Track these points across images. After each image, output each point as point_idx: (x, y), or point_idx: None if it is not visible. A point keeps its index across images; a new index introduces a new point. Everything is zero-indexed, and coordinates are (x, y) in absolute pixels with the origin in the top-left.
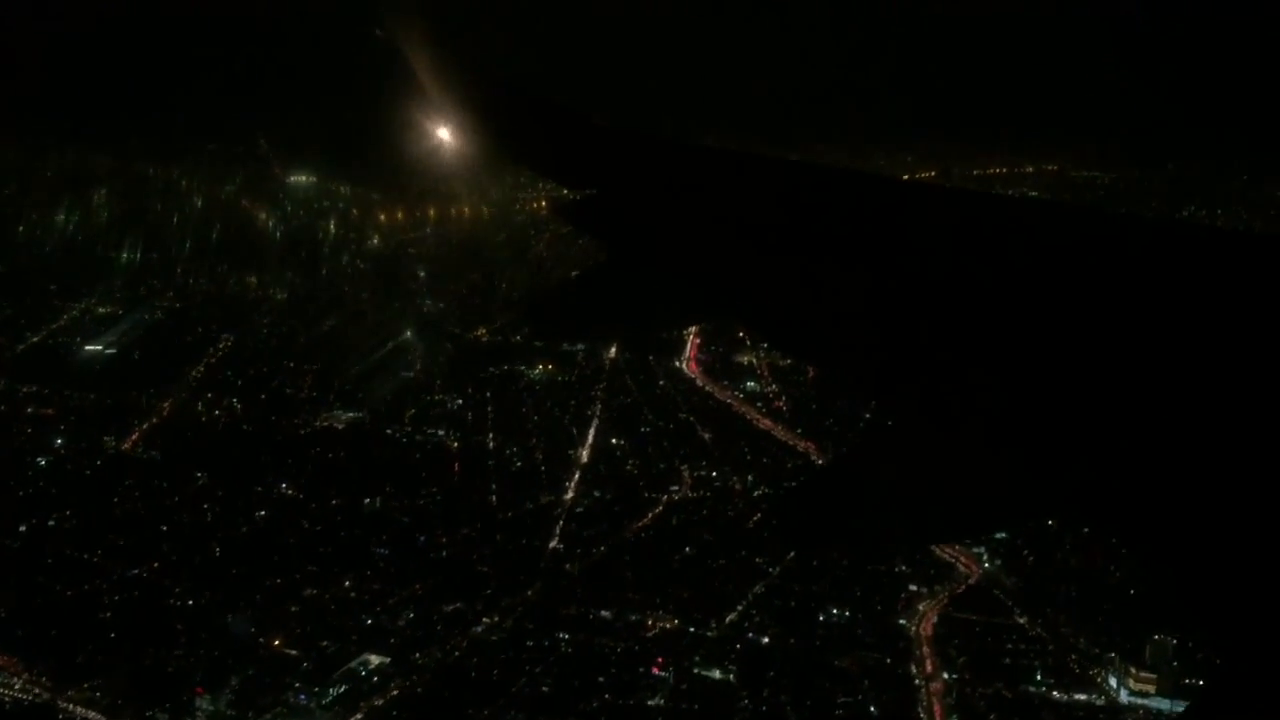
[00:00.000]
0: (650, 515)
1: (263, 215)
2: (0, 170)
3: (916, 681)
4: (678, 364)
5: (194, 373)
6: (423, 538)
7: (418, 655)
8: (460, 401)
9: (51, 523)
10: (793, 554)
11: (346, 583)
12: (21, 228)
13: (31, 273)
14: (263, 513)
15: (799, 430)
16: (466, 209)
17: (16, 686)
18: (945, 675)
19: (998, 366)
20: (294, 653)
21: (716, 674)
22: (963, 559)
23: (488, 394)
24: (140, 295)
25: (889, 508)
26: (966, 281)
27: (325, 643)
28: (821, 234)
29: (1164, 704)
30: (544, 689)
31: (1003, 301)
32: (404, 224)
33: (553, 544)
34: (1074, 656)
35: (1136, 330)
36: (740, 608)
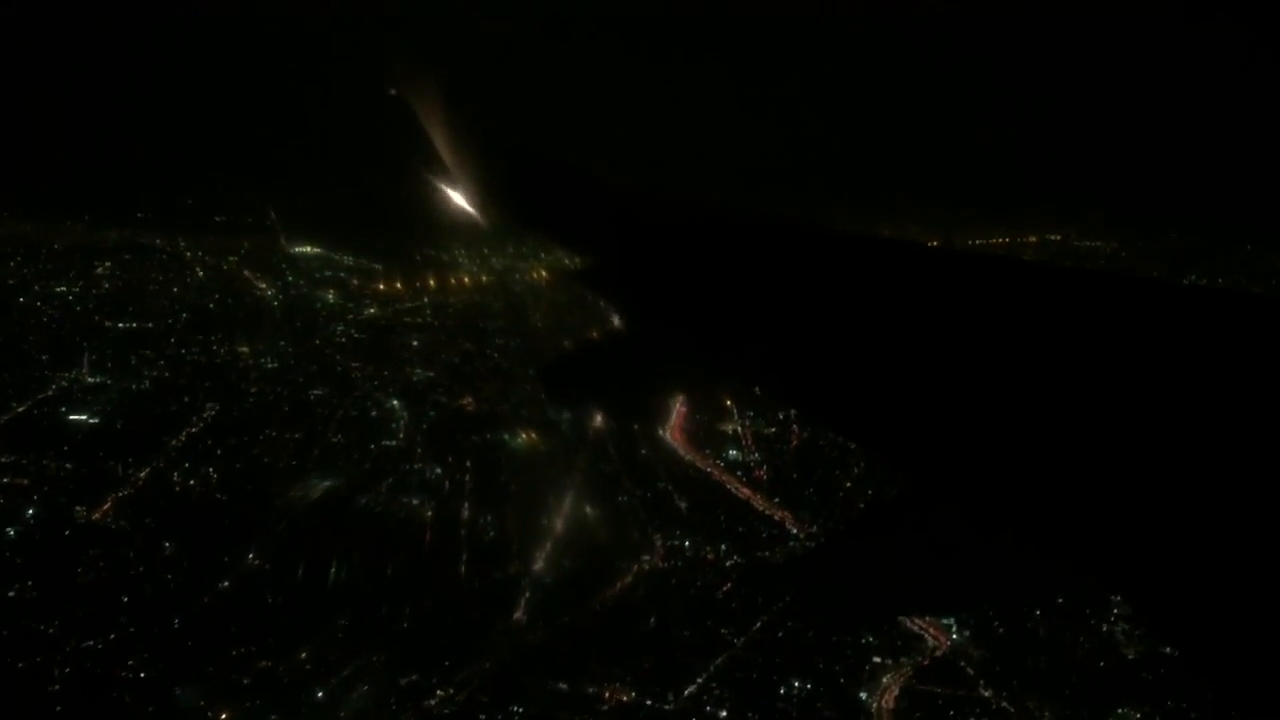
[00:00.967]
0: (619, 585)
1: (262, 285)
2: (10, 242)
3: None
4: (662, 433)
5: (174, 442)
6: (385, 608)
7: None
8: (439, 470)
9: (12, 593)
10: (759, 625)
11: (303, 654)
12: (22, 299)
13: (26, 343)
14: (225, 583)
15: (776, 500)
16: (466, 278)
17: None
18: None
19: (1004, 438)
20: None
21: None
22: (932, 630)
23: (467, 463)
24: (131, 365)
25: (877, 579)
26: (974, 348)
27: (273, 717)
28: (833, 298)
29: None
30: None
31: (1011, 371)
32: (402, 293)
33: (517, 614)
34: None
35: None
36: (700, 680)
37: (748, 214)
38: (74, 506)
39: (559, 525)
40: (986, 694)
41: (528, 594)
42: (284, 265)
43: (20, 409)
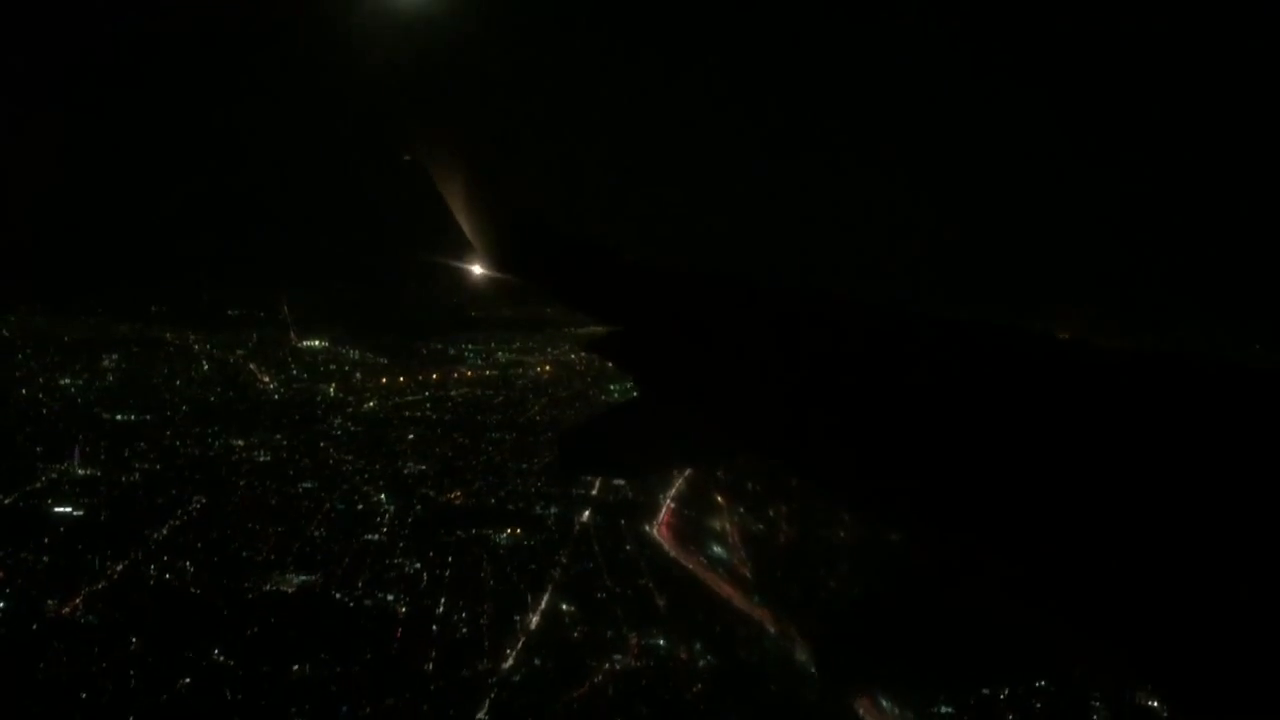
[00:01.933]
0: (587, 685)
1: (266, 379)
2: (21, 335)
3: None
4: (648, 528)
5: (155, 535)
6: (345, 708)
7: None
8: (418, 565)
9: None
10: None
11: None
12: (25, 390)
13: (22, 435)
14: (187, 680)
15: (756, 599)
16: (470, 372)
17: None
18: None
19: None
20: None
21: None
22: None
23: (448, 558)
24: (124, 457)
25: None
26: (996, 427)
27: None
28: (853, 372)
29: None
30: None
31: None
32: (404, 387)
33: (480, 714)
34: None
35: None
36: None
37: (762, 289)
38: (46, 600)
39: (533, 621)
40: None
41: (493, 694)
42: (290, 359)
43: (6, 500)
